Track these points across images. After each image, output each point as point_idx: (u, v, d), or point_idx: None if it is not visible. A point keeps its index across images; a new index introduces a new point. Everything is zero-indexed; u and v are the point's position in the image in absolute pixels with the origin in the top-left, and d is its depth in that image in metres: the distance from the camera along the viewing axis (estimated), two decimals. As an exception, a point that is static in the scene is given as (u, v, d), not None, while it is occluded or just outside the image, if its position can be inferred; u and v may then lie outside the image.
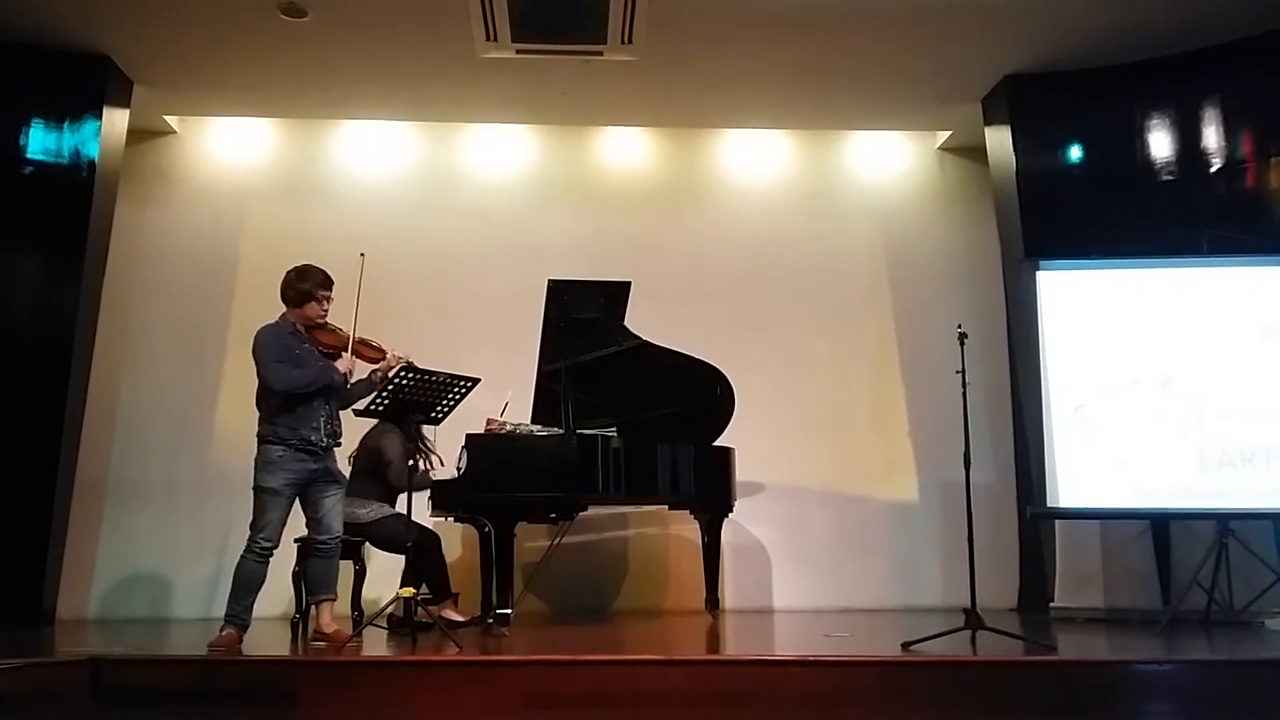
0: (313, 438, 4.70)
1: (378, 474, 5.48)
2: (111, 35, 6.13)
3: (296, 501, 4.78)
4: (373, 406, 4.94)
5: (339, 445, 4.93)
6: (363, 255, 4.84)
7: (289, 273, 4.85)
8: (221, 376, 6.81)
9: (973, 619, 4.61)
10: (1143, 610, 5.82)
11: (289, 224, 7.18)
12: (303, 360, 4.75)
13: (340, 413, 4.92)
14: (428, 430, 5.49)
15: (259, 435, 4.70)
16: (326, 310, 4.86)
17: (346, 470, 5.25)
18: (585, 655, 4.24)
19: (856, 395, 7.30)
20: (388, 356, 4.89)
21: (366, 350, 4.90)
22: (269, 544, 4.63)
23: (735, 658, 4.38)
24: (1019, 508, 6.74)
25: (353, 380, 4.90)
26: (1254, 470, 5.50)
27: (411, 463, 5.09)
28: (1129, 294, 5.80)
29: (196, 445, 6.84)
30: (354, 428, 5.28)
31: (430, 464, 5.59)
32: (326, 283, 4.85)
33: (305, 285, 4.80)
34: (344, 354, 4.81)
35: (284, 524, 4.71)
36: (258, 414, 4.74)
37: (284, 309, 4.86)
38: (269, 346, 4.71)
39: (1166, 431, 5.62)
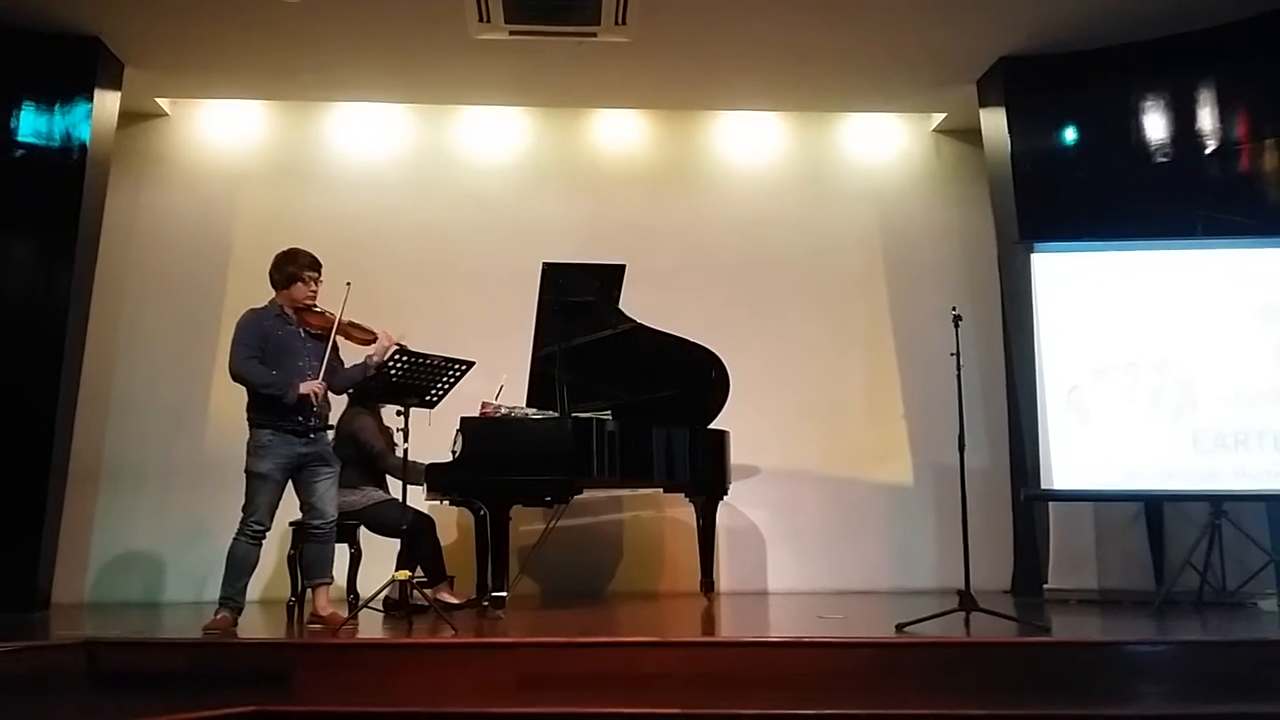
0: (301, 420, 4.70)
1: (363, 461, 5.47)
2: (102, 17, 6.08)
3: (290, 484, 4.78)
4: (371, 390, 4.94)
5: (330, 428, 4.94)
6: (349, 284, 4.79)
7: (276, 256, 4.87)
8: (215, 360, 6.73)
9: (967, 600, 4.63)
10: (1136, 591, 5.84)
11: (282, 207, 7.15)
12: (281, 347, 4.75)
13: (331, 395, 4.90)
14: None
15: (249, 419, 4.71)
16: (314, 292, 4.87)
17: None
18: (580, 637, 4.26)
19: (851, 378, 7.30)
20: (379, 338, 4.87)
21: (356, 332, 4.89)
22: (260, 526, 4.65)
23: (730, 639, 4.39)
24: (1013, 490, 6.76)
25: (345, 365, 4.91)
26: (1247, 452, 5.52)
27: (404, 452, 5.06)
28: (1123, 276, 5.80)
29: (191, 429, 6.83)
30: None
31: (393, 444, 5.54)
32: (314, 265, 4.86)
33: (291, 268, 4.82)
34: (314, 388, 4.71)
35: (276, 506, 4.72)
36: (247, 398, 4.74)
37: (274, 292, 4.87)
38: (243, 331, 4.75)
39: (1160, 413, 5.63)
